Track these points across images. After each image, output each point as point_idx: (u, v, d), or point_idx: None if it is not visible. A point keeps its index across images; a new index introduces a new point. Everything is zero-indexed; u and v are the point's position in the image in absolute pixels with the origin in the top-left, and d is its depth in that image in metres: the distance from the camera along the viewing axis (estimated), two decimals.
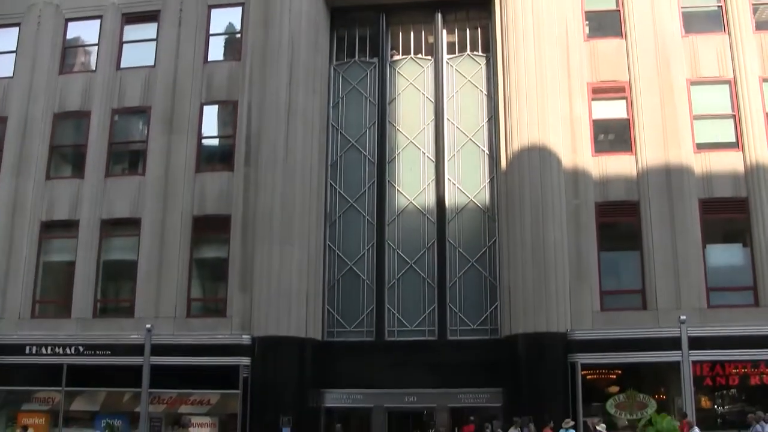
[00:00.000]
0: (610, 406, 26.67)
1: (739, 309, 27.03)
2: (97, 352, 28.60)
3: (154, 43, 31.89)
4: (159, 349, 27.47)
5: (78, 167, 31.32)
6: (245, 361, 27.71)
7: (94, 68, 32.26)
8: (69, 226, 30.56)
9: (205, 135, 31.13)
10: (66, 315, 29.65)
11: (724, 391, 27.24)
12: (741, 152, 28.23)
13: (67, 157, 32.26)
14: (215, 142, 31.96)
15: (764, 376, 26.59)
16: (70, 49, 33.06)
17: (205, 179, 30.11)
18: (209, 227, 29.98)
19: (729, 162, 28.22)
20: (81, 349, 28.68)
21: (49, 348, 28.87)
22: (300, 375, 27.79)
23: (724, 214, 28.30)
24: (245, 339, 27.88)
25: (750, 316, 26.74)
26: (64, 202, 30.75)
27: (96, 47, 32.44)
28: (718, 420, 26.85)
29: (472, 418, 26.49)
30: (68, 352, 28.76)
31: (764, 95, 28.61)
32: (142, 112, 31.47)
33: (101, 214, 30.40)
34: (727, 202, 28.06)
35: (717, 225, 28.57)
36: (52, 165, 31.59)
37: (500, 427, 25.94)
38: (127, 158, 32.02)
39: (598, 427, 24.53)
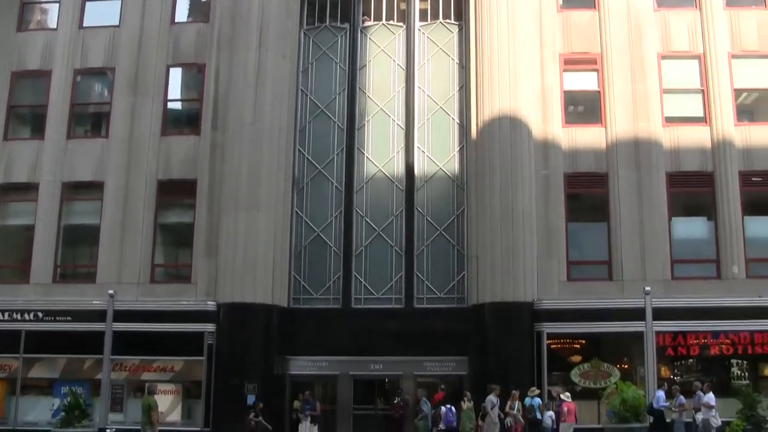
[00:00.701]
0: (575, 375, 26.93)
1: (702, 281, 27.44)
2: (57, 318, 28.03)
3: (119, 2, 31.10)
4: (122, 316, 27.15)
5: (38, 128, 30.49)
6: (210, 327, 27.44)
7: (54, 26, 31.34)
8: (28, 189, 29.81)
9: (171, 98, 30.55)
10: (24, 280, 29.01)
11: (684, 361, 27.65)
12: (708, 127, 28.50)
13: (26, 117, 31.48)
14: (182, 105, 31.46)
15: (723, 346, 27.03)
16: (28, 5, 32.08)
17: (171, 143, 29.59)
18: (175, 192, 29.51)
19: (697, 136, 28.49)
20: (40, 315, 28.08)
21: (7, 314, 28.20)
22: (265, 342, 27.59)
23: (691, 187, 28.58)
24: (210, 305, 27.59)
25: (712, 288, 27.17)
26: (22, 164, 29.95)
27: (57, 4, 31.52)
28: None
29: (443, 386, 26.47)
30: (27, 318, 28.15)
31: (733, 71, 28.86)
32: (106, 73, 30.76)
33: (62, 177, 29.71)
34: (693, 175, 28.33)
35: (683, 198, 28.89)
36: (10, 126, 30.71)
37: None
38: (90, 120, 31.33)
39: (562, 396, 24.76)
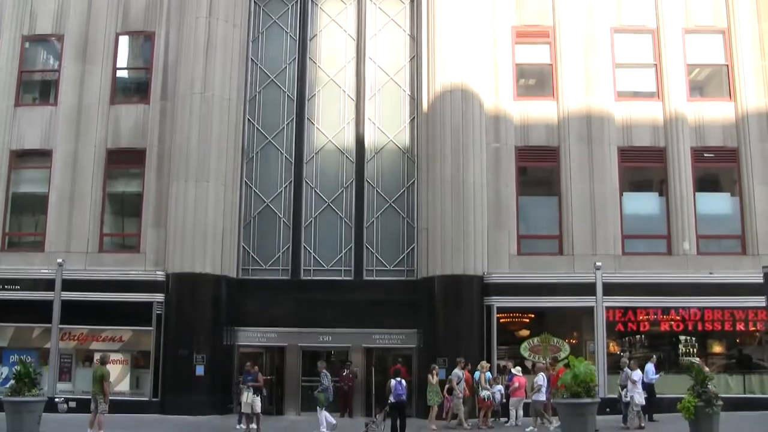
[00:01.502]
0: (524, 349, 26.99)
1: (653, 257, 27.63)
2: (6, 286, 27.70)
3: None
4: (70, 285, 27.20)
5: None
6: (159, 297, 27.35)
7: None
8: None
9: (120, 66, 30.22)
10: None
11: (634, 337, 27.78)
12: (661, 102, 28.52)
13: None
14: (131, 73, 31.05)
15: (673, 322, 27.17)
16: None
17: (120, 111, 29.27)
18: (124, 161, 29.23)
19: (649, 111, 28.55)
20: None
21: None
22: (214, 312, 27.51)
23: (642, 162, 28.70)
24: (159, 275, 27.47)
25: (663, 264, 27.34)
26: None
27: None
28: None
29: (400, 359, 26.29)
30: None
31: (686, 46, 28.84)
32: (54, 40, 30.28)
33: (10, 145, 29.31)
34: (645, 150, 28.42)
35: (635, 173, 29.06)
36: None
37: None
38: (39, 87, 30.84)
39: (513, 370, 24.79)
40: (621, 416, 23.58)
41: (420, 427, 23.72)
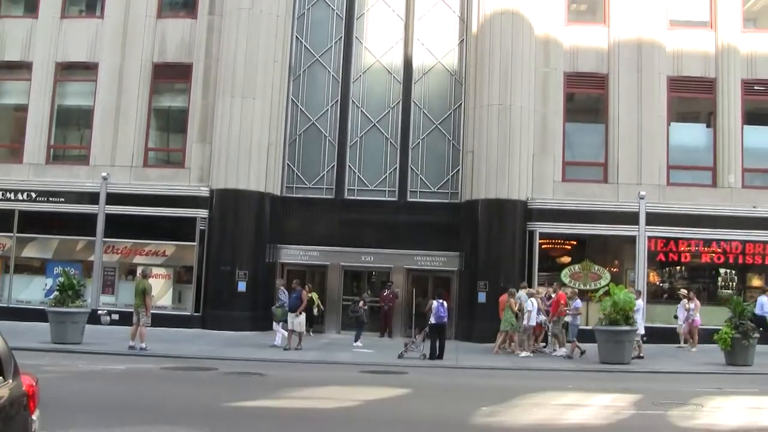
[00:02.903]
0: (565, 275, 27.02)
1: (697, 188, 27.47)
2: (51, 199, 28.01)
3: None
4: (114, 198, 27.40)
5: (31, 6, 29.91)
6: (203, 213, 27.52)
7: None
8: (21, 68, 29.41)
9: None
10: (17, 160, 28.86)
11: (674, 268, 27.76)
12: (713, 32, 27.99)
13: None
14: None
15: (714, 255, 27.08)
16: None
17: (167, 26, 29.05)
18: (169, 75, 29.19)
19: (700, 41, 28.01)
20: (33, 195, 28.06)
21: (0, 193, 28.18)
22: (257, 229, 27.66)
23: (691, 93, 28.35)
24: (203, 191, 27.59)
25: (707, 196, 27.17)
26: (15, 42, 29.44)
27: None
28: (664, 295, 27.44)
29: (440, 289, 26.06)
30: (20, 198, 28.10)
31: None
32: None
33: (56, 57, 29.26)
34: (695, 81, 28.00)
35: (683, 104, 28.76)
36: (3, 2, 30.09)
37: None
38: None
39: (553, 294, 24.74)
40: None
41: (458, 349, 23.81)
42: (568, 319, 22.87)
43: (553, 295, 24.16)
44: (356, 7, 29.37)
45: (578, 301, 23.17)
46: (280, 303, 23.51)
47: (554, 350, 23.29)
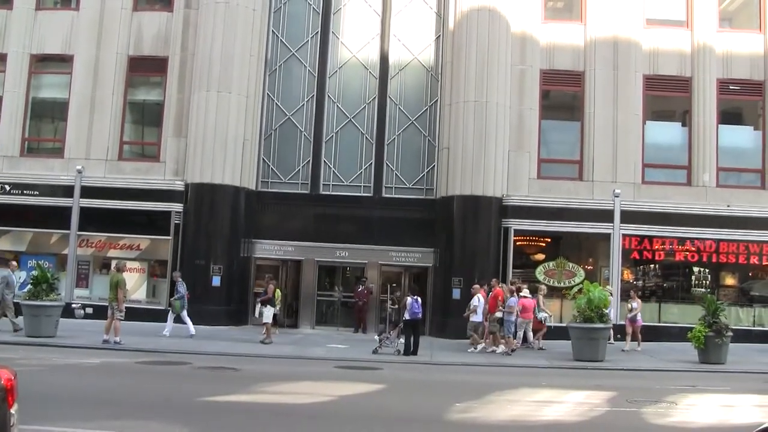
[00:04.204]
0: (540, 272, 27.13)
1: (672, 187, 27.61)
2: (25, 191, 27.82)
3: None
4: (89, 192, 27.21)
5: None
6: (177, 207, 27.40)
7: None
8: None
9: None
10: None
11: (648, 266, 27.93)
12: (689, 31, 28.15)
13: None
14: None
15: (688, 253, 27.29)
16: None
17: (143, 18, 28.90)
18: (145, 69, 29.02)
19: (676, 40, 28.17)
20: (7, 188, 27.85)
21: None
22: (232, 224, 27.59)
23: (667, 92, 28.46)
24: (178, 185, 27.47)
25: (681, 195, 27.33)
26: None
27: None
28: (638, 292, 27.51)
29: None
30: None
31: None
32: None
33: (31, 49, 29.02)
34: (671, 80, 28.15)
35: (659, 102, 28.87)
36: None
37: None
38: None
39: (521, 293, 24.84)
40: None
41: (433, 345, 23.80)
42: (498, 314, 22.77)
43: (522, 293, 24.33)
44: (333, 2, 29.29)
45: (513, 298, 23.08)
46: (178, 295, 23.47)
47: (489, 348, 22.97)
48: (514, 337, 22.96)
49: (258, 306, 24.07)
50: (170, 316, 23.74)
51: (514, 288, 23.61)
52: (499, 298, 22.75)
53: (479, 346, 22.97)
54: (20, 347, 18.98)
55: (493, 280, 24.32)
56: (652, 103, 28.36)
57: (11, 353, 16.28)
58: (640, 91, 27.82)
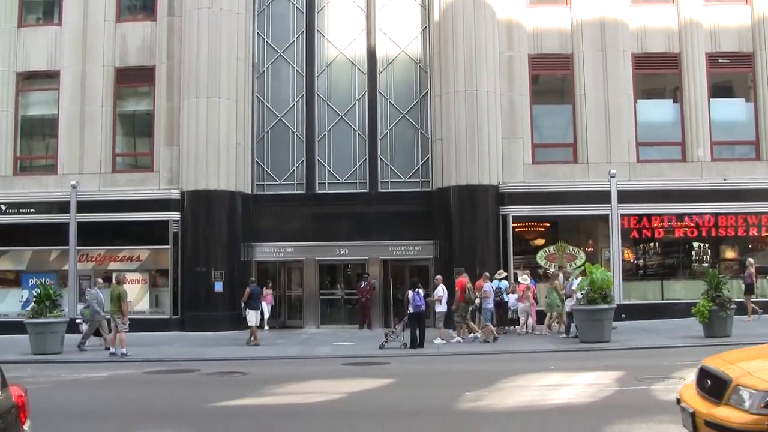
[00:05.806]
0: (540, 257, 27.16)
1: (667, 164, 27.62)
2: (20, 210, 27.78)
3: None
4: (85, 206, 26.98)
5: None
6: (175, 216, 27.36)
7: None
8: None
9: None
10: None
11: (648, 244, 27.94)
12: (675, 7, 28.08)
13: None
14: None
15: (687, 229, 27.30)
16: None
17: (127, 29, 28.83)
18: (133, 79, 28.94)
19: (663, 17, 28.10)
20: (3, 207, 27.78)
21: None
22: (230, 229, 27.51)
23: (656, 69, 28.46)
24: (174, 193, 27.43)
25: (677, 171, 27.34)
26: None
27: None
28: (639, 271, 27.66)
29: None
30: None
31: None
32: None
33: (16, 67, 28.94)
34: (659, 57, 28.10)
35: (649, 80, 28.87)
36: None
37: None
38: (42, 7, 30.35)
39: (519, 279, 24.87)
40: None
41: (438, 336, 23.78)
42: (478, 301, 22.81)
43: (520, 279, 24.39)
44: (316, 1, 29.14)
45: (487, 284, 23.10)
46: (86, 303, 23.33)
47: (454, 338, 22.81)
48: (494, 324, 22.98)
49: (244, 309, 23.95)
50: (81, 325, 23.65)
51: (487, 274, 23.56)
52: (461, 287, 22.55)
53: (458, 336, 22.82)
54: (28, 365, 18.93)
55: (485, 274, 23.98)
56: (642, 81, 28.34)
57: (19, 372, 16.15)
58: (630, 70, 27.78)
